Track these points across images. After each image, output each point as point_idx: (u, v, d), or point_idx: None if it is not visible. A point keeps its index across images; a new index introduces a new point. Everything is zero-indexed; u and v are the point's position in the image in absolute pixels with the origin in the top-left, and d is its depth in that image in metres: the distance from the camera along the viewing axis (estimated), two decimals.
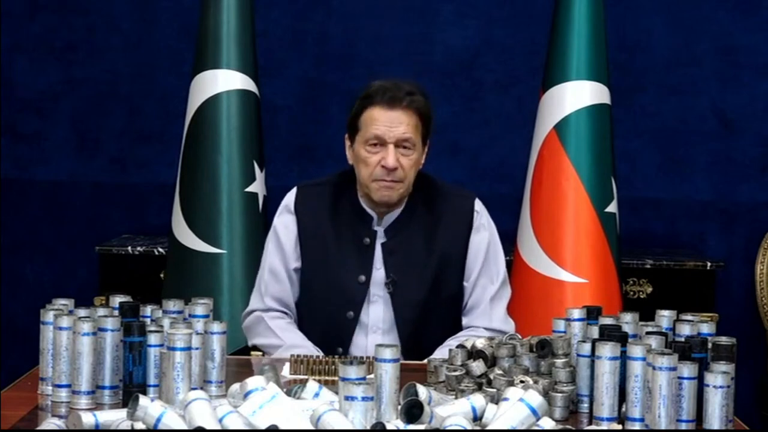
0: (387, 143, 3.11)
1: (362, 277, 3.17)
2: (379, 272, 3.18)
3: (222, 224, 3.95)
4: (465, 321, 3.22)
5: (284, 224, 3.24)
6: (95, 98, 5.03)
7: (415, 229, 3.20)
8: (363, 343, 3.16)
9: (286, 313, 3.23)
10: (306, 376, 2.73)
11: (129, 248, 4.57)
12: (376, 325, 3.17)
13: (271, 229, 3.29)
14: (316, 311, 3.21)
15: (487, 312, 3.21)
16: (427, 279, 3.17)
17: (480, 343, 2.69)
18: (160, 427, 2.16)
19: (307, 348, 3.10)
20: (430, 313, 3.17)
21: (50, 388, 2.57)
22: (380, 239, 3.20)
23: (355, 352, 3.14)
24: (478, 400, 2.34)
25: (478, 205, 3.25)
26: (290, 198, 3.26)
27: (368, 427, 2.16)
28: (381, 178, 3.12)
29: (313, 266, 3.20)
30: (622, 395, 2.43)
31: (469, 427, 2.20)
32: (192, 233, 3.95)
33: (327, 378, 2.72)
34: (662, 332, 2.60)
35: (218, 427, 2.15)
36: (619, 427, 2.41)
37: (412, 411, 2.22)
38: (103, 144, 5.05)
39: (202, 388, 2.50)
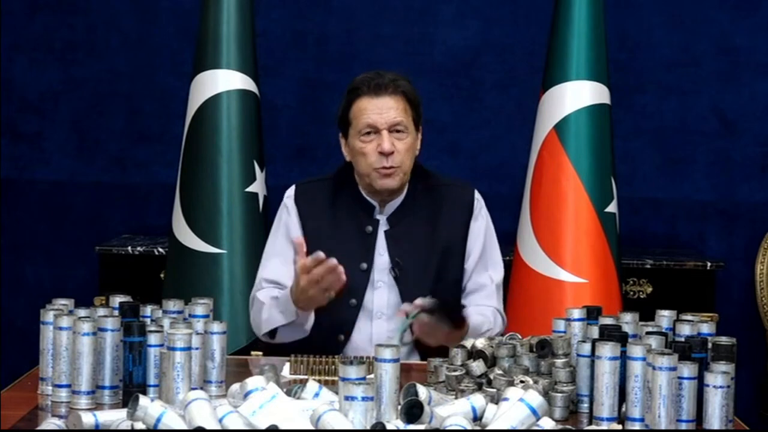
0: (380, 130, 3.16)
1: (364, 265, 3.20)
2: (382, 258, 3.22)
3: (222, 224, 3.95)
4: (467, 301, 3.26)
5: (287, 216, 3.28)
6: (95, 98, 5.03)
7: (417, 217, 3.25)
8: (367, 329, 3.20)
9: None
10: (306, 376, 2.73)
11: (129, 248, 4.57)
12: (380, 311, 3.20)
13: (275, 221, 3.33)
14: None
15: (493, 295, 3.28)
16: (432, 265, 3.22)
17: (480, 343, 2.69)
18: (160, 427, 2.17)
19: (283, 293, 3.11)
20: (436, 297, 3.18)
21: (50, 388, 2.57)
22: (382, 227, 3.24)
23: (358, 339, 3.18)
24: (478, 400, 2.34)
25: (477, 194, 3.32)
26: (290, 193, 3.31)
27: (368, 427, 2.16)
28: (381, 166, 3.15)
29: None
30: (622, 395, 2.43)
31: (469, 427, 2.20)
32: (192, 233, 3.95)
33: (327, 378, 2.73)
34: (662, 332, 2.61)
35: (218, 427, 2.15)
36: (619, 427, 2.42)
37: (412, 411, 2.22)
38: (103, 144, 5.04)
39: (202, 388, 2.50)
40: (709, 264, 4.58)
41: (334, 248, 3.18)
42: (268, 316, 3.17)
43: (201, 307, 2.70)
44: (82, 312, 2.63)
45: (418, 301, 2.90)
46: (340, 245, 3.19)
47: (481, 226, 3.30)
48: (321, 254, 2.96)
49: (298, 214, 3.26)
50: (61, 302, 2.73)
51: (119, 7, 5.00)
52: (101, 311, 2.63)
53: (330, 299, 3.04)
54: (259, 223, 3.99)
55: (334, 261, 2.95)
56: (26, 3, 5.01)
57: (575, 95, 3.88)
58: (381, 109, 3.16)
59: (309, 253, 3.17)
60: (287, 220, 3.27)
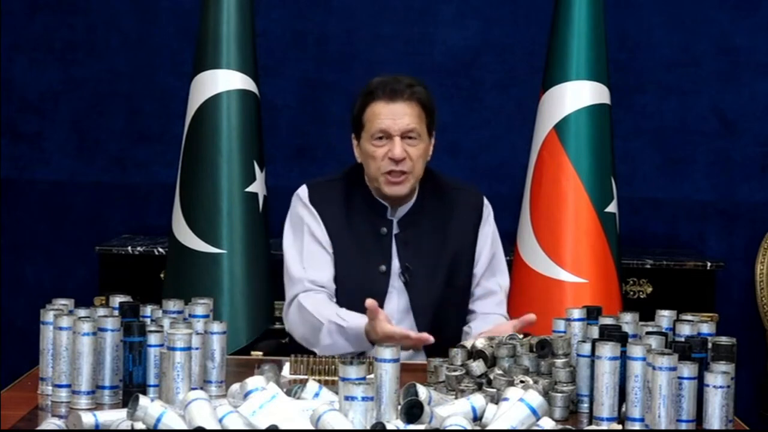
0: (393, 136, 3.16)
1: (383, 267, 3.21)
2: (393, 263, 3.22)
3: (222, 224, 3.95)
4: (476, 307, 3.26)
5: (310, 217, 3.25)
6: (95, 98, 5.03)
7: (427, 221, 3.26)
8: None
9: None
10: (306, 376, 2.73)
11: (129, 248, 4.57)
12: (390, 315, 3.18)
13: (292, 221, 3.30)
14: (342, 303, 3.21)
15: (503, 303, 3.31)
16: (441, 269, 3.23)
17: (480, 343, 2.69)
18: (160, 427, 2.17)
19: (347, 319, 3.10)
20: (446, 302, 3.22)
21: (50, 388, 2.57)
22: (394, 230, 3.24)
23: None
24: (478, 400, 2.34)
25: (486, 200, 3.35)
26: (303, 193, 3.29)
27: (368, 427, 2.16)
28: (390, 171, 3.15)
29: (336, 257, 3.22)
30: (622, 395, 2.43)
31: (469, 427, 2.20)
32: (192, 233, 3.95)
33: (327, 378, 2.72)
34: (662, 332, 2.61)
35: (218, 427, 2.15)
36: (619, 427, 2.42)
37: (412, 411, 2.22)
38: (103, 144, 5.05)
39: (202, 388, 2.50)
40: (709, 264, 4.58)
41: (353, 250, 3.18)
42: (332, 342, 3.12)
43: (201, 307, 2.70)
44: (82, 312, 2.63)
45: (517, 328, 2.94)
46: (359, 247, 3.20)
47: (489, 232, 3.32)
48: (409, 332, 2.99)
49: (318, 214, 3.25)
50: (61, 302, 2.73)
51: (119, 7, 5.01)
52: (101, 311, 2.63)
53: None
54: (259, 223, 3.99)
55: (424, 335, 2.98)
56: (26, 3, 5.01)
57: (575, 95, 3.88)
58: (395, 115, 3.16)
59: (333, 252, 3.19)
60: (311, 223, 3.24)
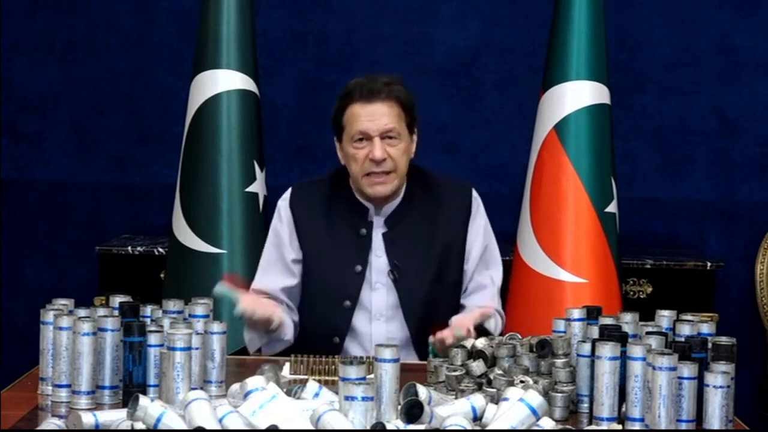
0: (372, 137, 3.15)
1: (358, 267, 3.20)
2: (380, 260, 3.21)
3: (222, 224, 3.96)
4: (468, 302, 3.25)
5: (280, 220, 3.28)
6: (95, 98, 5.03)
7: (415, 218, 3.25)
8: (367, 330, 3.20)
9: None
10: (306, 376, 2.73)
11: (129, 248, 4.57)
12: (379, 312, 3.20)
13: (269, 230, 3.34)
14: (314, 303, 3.24)
15: (495, 296, 3.27)
16: (430, 266, 3.21)
17: (480, 343, 2.69)
18: (160, 427, 2.17)
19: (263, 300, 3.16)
20: (435, 298, 3.21)
21: (50, 388, 2.57)
22: (380, 229, 3.24)
23: (356, 340, 3.19)
24: (478, 400, 2.34)
25: (475, 193, 3.31)
26: (285, 196, 3.32)
27: (368, 427, 2.16)
28: (371, 172, 3.15)
29: (309, 259, 3.24)
30: (622, 395, 2.43)
31: (469, 427, 2.20)
32: (192, 233, 3.95)
33: (327, 378, 2.73)
34: (662, 332, 2.61)
35: (218, 427, 2.15)
36: (619, 427, 2.42)
37: (412, 411, 2.22)
38: (103, 144, 5.05)
39: (202, 388, 2.50)
40: (709, 264, 4.58)
41: (328, 250, 3.20)
42: (249, 338, 3.22)
43: (201, 307, 2.70)
44: (82, 312, 2.63)
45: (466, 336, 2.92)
46: (334, 248, 3.21)
47: (480, 226, 3.29)
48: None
49: (292, 219, 3.26)
50: (61, 302, 2.73)
51: (119, 7, 5.01)
52: (101, 311, 2.63)
53: (273, 327, 3.10)
54: (259, 223, 3.99)
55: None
56: (26, 3, 5.01)
57: (575, 95, 3.88)
58: (373, 116, 3.15)
59: (306, 255, 3.20)
60: (279, 229, 3.28)
